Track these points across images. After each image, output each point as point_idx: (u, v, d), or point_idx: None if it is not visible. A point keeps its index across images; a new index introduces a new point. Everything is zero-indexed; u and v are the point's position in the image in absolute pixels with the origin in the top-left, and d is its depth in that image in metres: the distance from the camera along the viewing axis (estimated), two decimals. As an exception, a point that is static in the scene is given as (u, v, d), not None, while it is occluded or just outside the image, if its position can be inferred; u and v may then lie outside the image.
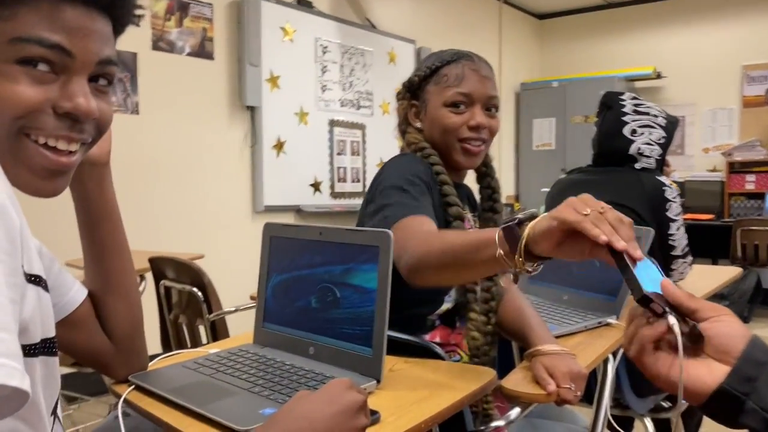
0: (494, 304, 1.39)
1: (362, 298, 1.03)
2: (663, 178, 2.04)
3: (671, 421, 2.14)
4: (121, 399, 1.00)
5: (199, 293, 2.13)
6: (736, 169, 6.15)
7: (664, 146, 2.11)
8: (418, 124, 1.45)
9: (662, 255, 2.00)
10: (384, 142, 5.06)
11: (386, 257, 1.00)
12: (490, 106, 1.41)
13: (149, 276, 2.52)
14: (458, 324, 1.41)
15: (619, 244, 0.84)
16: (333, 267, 1.09)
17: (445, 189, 1.35)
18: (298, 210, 4.60)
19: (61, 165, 0.73)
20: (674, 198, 2.01)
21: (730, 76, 6.40)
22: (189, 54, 3.86)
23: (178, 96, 3.83)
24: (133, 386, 1.03)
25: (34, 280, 0.67)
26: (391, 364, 1.09)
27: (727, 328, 0.73)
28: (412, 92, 1.47)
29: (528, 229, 0.94)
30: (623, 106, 2.13)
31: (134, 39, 3.59)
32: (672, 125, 2.14)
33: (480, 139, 1.40)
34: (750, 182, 6.07)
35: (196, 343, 2.27)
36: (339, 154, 4.94)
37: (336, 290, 1.07)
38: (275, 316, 1.18)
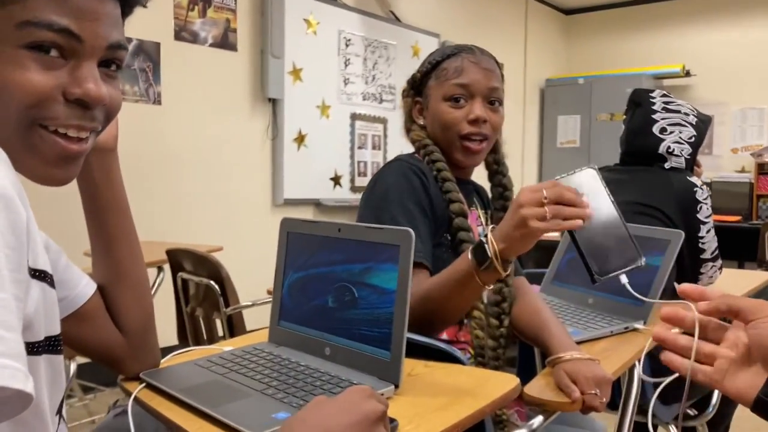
0: (506, 306, 1.35)
1: (381, 299, 0.99)
2: (694, 179, 1.97)
3: (696, 429, 2.08)
4: (132, 397, 0.97)
5: (217, 286, 2.11)
6: (766, 170, 6.02)
7: (695, 145, 2.03)
8: (422, 121, 1.42)
9: (691, 258, 1.93)
10: (406, 138, 5.01)
11: (407, 257, 0.96)
12: (492, 99, 1.37)
13: (167, 268, 2.50)
14: (466, 321, 1.37)
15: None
16: (351, 265, 1.05)
17: (447, 186, 1.32)
18: (317, 204, 4.57)
19: (73, 152, 0.71)
20: (705, 200, 1.94)
21: (761, 75, 6.26)
22: (212, 45, 3.84)
23: (200, 87, 3.82)
24: (143, 384, 1.00)
25: (39, 275, 0.65)
26: (410, 367, 1.04)
27: (764, 330, 0.70)
28: (416, 89, 1.45)
29: (494, 245, 1.08)
30: (653, 103, 2.07)
31: (157, 29, 3.58)
32: (703, 124, 2.07)
33: (480, 133, 1.36)
34: (780, 184, 5.94)
35: (212, 336, 2.26)
36: (360, 148, 4.91)
37: (354, 290, 1.04)
38: (291, 314, 1.14)
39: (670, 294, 1.89)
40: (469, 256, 1.12)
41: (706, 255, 1.95)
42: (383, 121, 5.07)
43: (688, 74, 6.46)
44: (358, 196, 4.83)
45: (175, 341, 2.56)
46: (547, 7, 7.11)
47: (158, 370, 1.03)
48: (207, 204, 3.90)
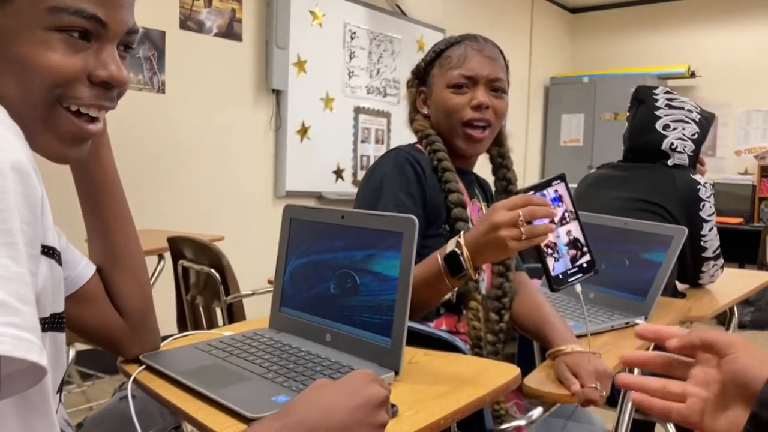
0: (506, 301, 1.36)
1: (383, 286, 0.99)
2: (697, 177, 1.96)
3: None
4: (131, 379, 0.97)
5: (217, 275, 2.10)
6: (769, 173, 6.01)
7: (698, 142, 2.03)
8: (425, 111, 1.43)
9: (693, 256, 1.93)
10: (409, 131, 5.00)
11: (410, 244, 0.96)
12: (496, 86, 1.37)
13: (168, 256, 2.50)
14: (464, 312, 1.37)
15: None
16: (354, 252, 1.04)
17: (447, 176, 1.32)
18: (319, 196, 4.57)
19: (89, 132, 0.73)
20: (708, 197, 1.93)
21: (766, 77, 6.24)
22: (217, 34, 3.83)
23: (204, 76, 3.81)
24: (143, 366, 1.00)
25: (49, 252, 0.65)
26: (411, 355, 1.04)
27: (741, 365, 0.67)
28: (420, 78, 1.45)
29: (469, 258, 1.12)
30: (656, 100, 2.06)
31: (163, 17, 3.57)
32: (707, 121, 2.06)
33: (484, 119, 1.35)
34: (782, 187, 5.93)
35: (212, 324, 2.25)
36: (363, 141, 4.90)
37: (356, 276, 1.03)
38: (292, 300, 1.14)
39: (671, 291, 1.89)
40: (440, 261, 1.14)
41: (708, 253, 1.94)
42: (387, 115, 5.06)
43: (693, 75, 6.45)
44: (360, 189, 4.82)
45: (174, 329, 2.56)
46: (554, 5, 7.09)
47: (158, 352, 1.03)
48: (209, 194, 3.90)
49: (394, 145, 5.02)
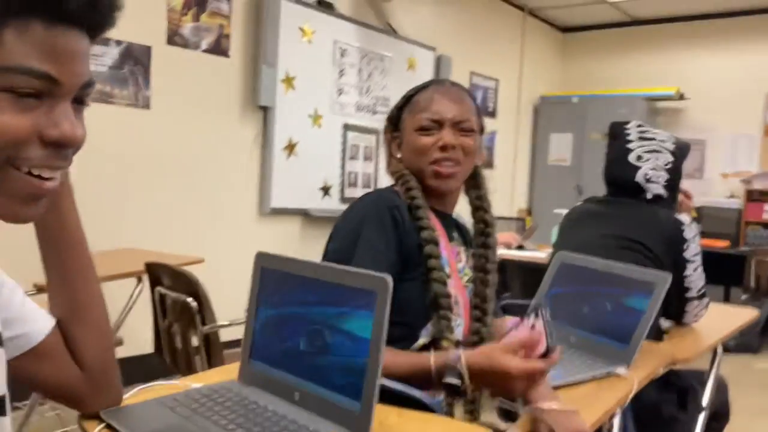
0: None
1: (355, 347, 0.95)
2: (682, 216, 1.94)
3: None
4: (89, 439, 0.93)
5: (195, 304, 2.06)
6: (755, 197, 6.03)
7: (672, 171, 1.99)
8: (399, 155, 1.45)
9: (677, 296, 1.91)
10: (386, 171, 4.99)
11: (383, 305, 0.92)
12: (463, 127, 1.38)
13: (146, 278, 2.46)
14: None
15: None
16: (326, 308, 1.01)
17: (419, 212, 1.33)
18: (305, 214, 4.53)
19: (45, 190, 0.69)
20: (693, 237, 1.91)
21: (753, 102, 6.28)
22: (204, 50, 3.80)
23: (190, 92, 3.77)
24: (104, 424, 0.96)
25: None
26: (383, 415, 1.01)
27: None
28: (394, 124, 1.47)
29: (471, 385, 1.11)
30: (628, 134, 2.05)
31: (149, 32, 3.53)
32: (680, 151, 2.02)
33: (451, 159, 1.36)
34: (768, 212, 5.95)
35: (188, 351, 2.21)
36: (351, 158, 4.87)
37: (327, 334, 1.00)
38: (262, 353, 1.10)
39: (654, 334, 1.86)
40: (433, 371, 1.14)
41: (692, 293, 1.92)
42: (376, 132, 5.03)
43: (682, 98, 6.47)
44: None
45: (151, 349, 2.52)
46: (545, 25, 7.11)
47: (120, 408, 0.99)
48: (192, 211, 3.85)
49: (382, 162, 5.02)
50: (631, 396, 1.37)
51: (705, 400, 1.93)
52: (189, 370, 2.14)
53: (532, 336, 1.10)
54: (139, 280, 2.71)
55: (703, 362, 1.98)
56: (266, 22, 4.05)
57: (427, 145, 1.36)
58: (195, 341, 2.16)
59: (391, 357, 1.16)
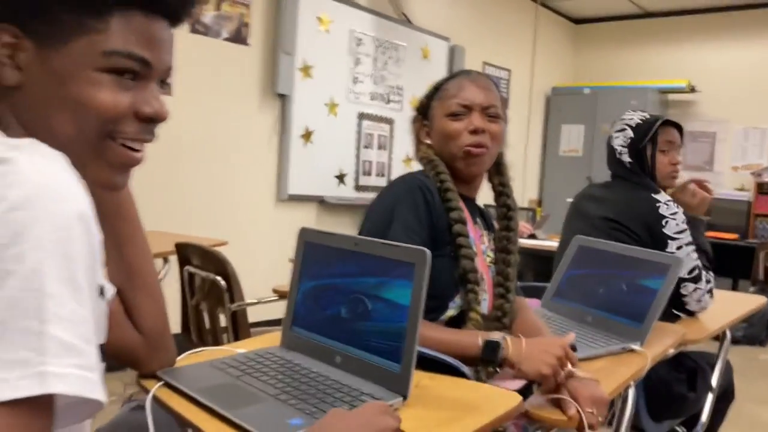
0: (507, 321, 1.44)
1: (394, 313, 1.03)
2: (659, 195, 1.99)
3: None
4: (150, 394, 1.01)
5: (223, 282, 2.15)
6: (765, 190, 6.08)
7: (632, 145, 2.08)
8: (429, 141, 1.52)
9: None
10: (411, 138, 5.06)
11: (421, 275, 1.00)
12: (491, 113, 1.46)
13: (173, 259, 2.54)
14: (466, 325, 1.42)
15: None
16: (366, 279, 1.09)
17: (449, 195, 1.40)
18: (321, 201, 4.61)
19: (135, 161, 0.79)
20: (673, 214, 1.94)
21: (764, 95, 6.31)
22: (225, 39, 3.87)
23: (211, 80, 3.85)
24: (161, 382, 1.04)
25: (100, 290, 0.69)
26: (416, 379, 1.08)
27: None
28: (423, 113, 1.55)
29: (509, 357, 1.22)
30: (614, 122, 2.21)
31: (172, 20, 3.60)
32: (645, 122, 2.09)
33: (481, 143, 1.44)
34: (777, 205, 6.00)
35: (215, 330, 2.30)
36: (366, 147, 4.94)
37: (367, 302, 1.08)
38: (304, 320, 1.19)
39: (668, 316, 1.93)
40: (479, 342, 1.24)
41: (683, 273, 1.88)
42: (390, 121, 5.11)
43: (693, 90, 6.50)
44: (362, 194, 4.88)
45: (178, 329, 2.60)
46: (558, 16, 7.14)
47: (175, 369, 1.07)
48: (212, 196, 3.94)
49: (396, 150, 5.11)
50: (645, 371, 1.45)
51: (714, 381, 2.00)
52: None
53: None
54: (165, 261, 2.80)
55: (710, 347, 2.06)
56: (285, 12, 4.13)
57: (458, 130, 1.44)
58: (222, 320, 2.25)
59: (437, 333, 1.26)
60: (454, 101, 1.46)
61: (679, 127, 2.17)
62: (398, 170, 5.15)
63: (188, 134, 3.76)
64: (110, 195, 0.99)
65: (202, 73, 3.79)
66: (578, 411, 1.14)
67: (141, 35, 0.73)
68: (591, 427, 1.15)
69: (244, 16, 3.98)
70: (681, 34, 6.72)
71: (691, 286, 1.92)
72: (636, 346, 1.50)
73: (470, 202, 1.52)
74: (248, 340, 1.34)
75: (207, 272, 2.21)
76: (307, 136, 4.45)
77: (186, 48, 3.67)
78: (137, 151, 0.78)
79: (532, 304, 1.70)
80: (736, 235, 5.94)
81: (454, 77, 1.52)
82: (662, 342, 1.59)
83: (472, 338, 1.25)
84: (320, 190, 4.60)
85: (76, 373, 0.55)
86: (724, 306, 2.16)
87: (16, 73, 0.71)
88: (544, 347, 1.21)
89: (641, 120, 2.09)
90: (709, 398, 1.99)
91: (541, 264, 3.67)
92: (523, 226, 4.36)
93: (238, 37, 3.96)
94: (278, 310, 3.07)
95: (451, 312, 1.37)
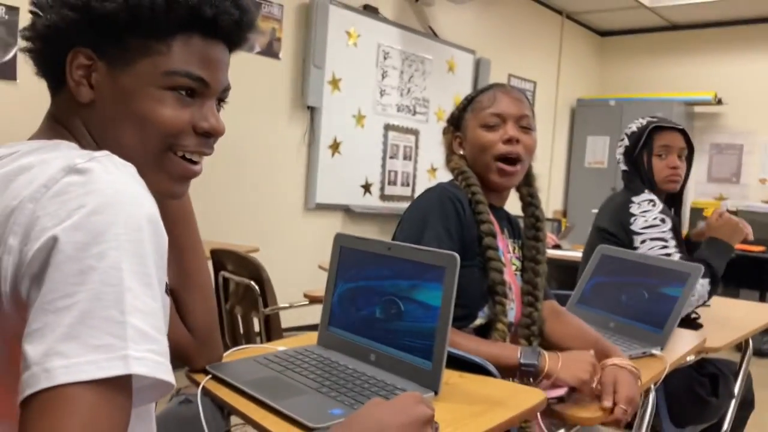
0: (535, 329, 1.48)
1: (425, 314, 1.11)
2: (636, 196, 2.07)
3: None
4: (200, 387, 1.09)
5: (257, 287, 2.24)
6: (793, 202, 6.03)
7: (628, 152, 2.16)
8: (461, 152, 1.56)
9: None
10: (436, 149, 5.13)
11: (452, 278, 1.08)
12: (524, 125, 1.51)
13: (209, 265, 2.64)
14: (492, 335, 1.48)
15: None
16: (399, 281, 1.16)
17: (480, 208, 1.45)
18: (347, 210, 4.70)
19: (195, 172, 0.87)
20: (642, 213, 2.02)
21: (793, 107, 6.28)
22: (257, 53, 4.00)
23: (244, 92, 3.97)
24: (209, 375, 1.12)
25: (166, 286, 0.77)
26: (446, 377, 1.15)
27: None
28: (455, 124, 1.59)
29: (547, 370, 1.26)
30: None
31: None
32: (640, 129, 2.16)
33: (515, 152, 1.48)
34: (806, 217, 5.94)
35: (249, 333, 2.38)
36: (391, 157, 5.03)
37: (401, 303, 1.15)
38: (340, 320, 1.26)
39: (690, 324, 1.98)
40: (518, 354, 1.29)
41: None
42: (415, 132, 5.19)
43: (719, 102, 6.49)
44: (387, 204, 4.97)
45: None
46: (583, 29, 7.18)
47: (222, 364, 1.16)
48: (244, 204, 4.05)
49: (421, 161, 5.19)
50: (664, 375, 1.50)
51: (736, 388, 2.04)
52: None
53: None
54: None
55: (733, 357, 2.09)
56: (315, 26, 4.24)
57: (492, 141, 1.48)
58: (255, 324, 2.34)
59: (476, 345, 1.32)
60: (488, 112, 1.50)
61: (681, 131, 2.16)
62: (423, 180, 5.23)
63: (221, 145, 3.84)
64: (174, 203, 1.08)
65: (236, 85, 3.82)
66: (612, 405, 1.20)
67: (199, 57, 0.81)
68: (617, 423, 1.21)
69: (276, 31, 4.10)
70: (707, 46, 6.72)
71: None
72: (656, 351, 1.55)
73: (499, 210, 1.57)
74: (286, 340, 1.42)
75: (241, 277, 2.30)
76: (335, 147, 4.55)
77: (220, 62, 3.79)
78: (195, 163, 0.86)
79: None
80: (762, 247, 5.90)
81: (487, 89, 1.56)
82: (682, 348, 1.64)
83: (511, 351, 1.30)
84: (347, 199, 4.70)
85: (152, 357, 0.62)
86: (748, 316, 2.20)
87: (90, 91, 0.80)
88: (578, 357, 1.27)
89: (636, 128, 2.16)
90: (733, 404, 2.02)
91: (565, 273, 3.71)
92: (549, 236, 4.40)
93: (270, 51, 4.08)
94: (308, 315, 3.15)
95: (479, 321, 1.43)
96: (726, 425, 2.05)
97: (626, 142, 2.17)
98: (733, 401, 2.02)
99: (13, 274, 0.65)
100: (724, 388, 2.00)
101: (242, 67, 3.93)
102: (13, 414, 0.63)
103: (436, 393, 1.06)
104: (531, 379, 1.29)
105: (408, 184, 5.18)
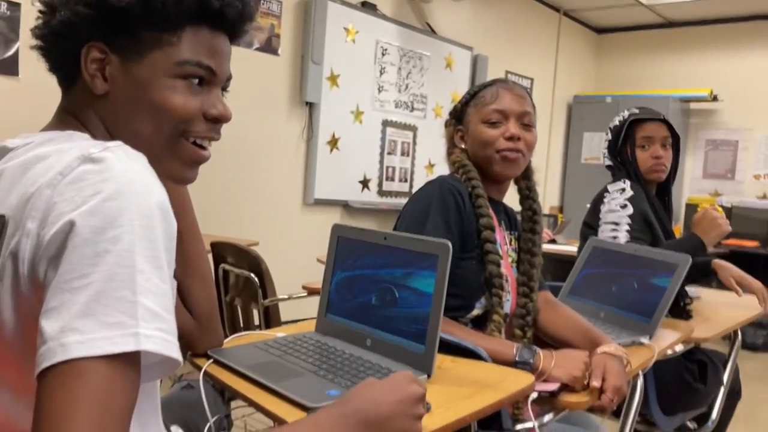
0: (529, 319, 1.52)
1: (419, 300, 1.15)
2: (614, 184, 2.12)
3: (695, 441, 2.21)
4: (202, 371, 1.13)
5: (256, 279, 2.28)
6: (787, 198, 6.08)
7: (611, 146, 2.22)
8: (463, 145, 1.60)
9: None
10: (433, 145, 5.18)
11: (444, 266, 1.12)
12: (525, 122, 1.54)
13: (209, 257, 2.68)
14: (488, 325, 1.52)
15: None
16: (394, 269, 1.21)
17: (479, 201, 1.48)
18: (345, 205, 4.74)
19: (204, 158, 0.92)
20: (611, 200, 2.07)
21: (788, 104, 6.32)
22: (256, 49, 4.03)
23: (242, 88, 4.00)
24: (211, 360, 1.17)
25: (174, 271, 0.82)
26: (439, 361, 1.20)
27: None
28: (457, 118, 1.63)
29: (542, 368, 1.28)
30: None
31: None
32: (621, 121, 2.21)
33: (516, 149, 1.52)
34: (800, 213, 6.00)
35: (248, 325, 2.43)
36: (389, 153, 5.07)
37: (395, 290, 1.20)
38: (337, 308, 1.31)
39: (680, 313, 2.02)
40: (514, 351, 1.31)
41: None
42: (413, 128, 5.23)
43: (715, 99, 6.54)
44: (385, 199, 5.01)
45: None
46: (580, 25, 7.22)
47: (223, 349, 1.20)
48: (243, 199, 4.09)
49: (419, 157, 5.23)
50: (652, 362, 1.54)
51: (725, 377, 2.08)
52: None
53: None
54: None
55: (722, 348, 2.13)
56: (314, 23, 4.28)
57: (494, 136, 1.52)
58: (255, 316, 2.38)
59: (474, 339, 1.34)
60: (490, 108, 1.53)
61: (664, 121, 2.18)
62: (420, 176, 5.27)
63: (221, 141, 3.89)
64: (171, 191, 1.12)
65: (235, 81, 3.87)
66: (599, 391, 1.24)
67: (207, 47, 0.86)
68: (603, 409, 1.26)
69: (275, 27, 4.13)
70: (703, 43, 6.76)
71: None
72: (645, 340, 1.60)
73: (497, 204, 1.60)
74: (285, 327, 1.46)
75: (241, 269, 2.34)
76: (333, 142, 4.59)
77: (219, 58, 3.83)
78: (205, 148, 0.91)
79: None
80: (756, 242, 5.95)
81: (490, 84, 1.58)
82: (670, 336, 1.69)
83: (508, 348, 1.33)
84: (345, 194, 4.74)
85: (161, 335, 0.66)
86: (737, 308, 2.24)
87: (104, 83, 0.84)
88: (572, 356, 1.30)
89: (618, 122, 2.21)
90: (722, 392, 2.07)
91: (559, 267, 3.76)
92: (544, 231, 4.45)
93: (269, 47, 4.12)
94: (306, 308, 3.19)
95: (476, 311, 1.47)
96: (714, 414, 2.10)
97: (609, 136, 2.22)
98: (722, 389, 2.07)
99: (31, 257, 0.69)
100: (713, 375, 2.05)
101: (241, 63, 3.96)
102: (28, 389, 0.68)
103: (429, 375, 1.10)
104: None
105: (406, 180, 5.23)
